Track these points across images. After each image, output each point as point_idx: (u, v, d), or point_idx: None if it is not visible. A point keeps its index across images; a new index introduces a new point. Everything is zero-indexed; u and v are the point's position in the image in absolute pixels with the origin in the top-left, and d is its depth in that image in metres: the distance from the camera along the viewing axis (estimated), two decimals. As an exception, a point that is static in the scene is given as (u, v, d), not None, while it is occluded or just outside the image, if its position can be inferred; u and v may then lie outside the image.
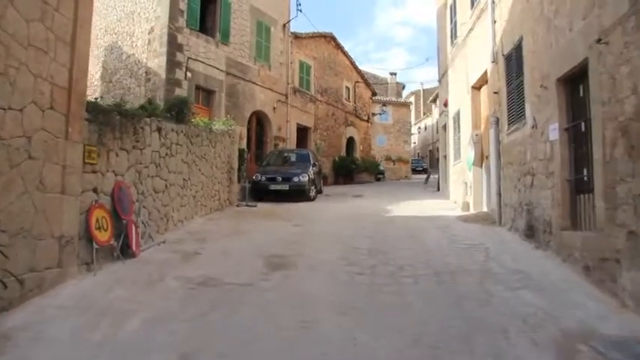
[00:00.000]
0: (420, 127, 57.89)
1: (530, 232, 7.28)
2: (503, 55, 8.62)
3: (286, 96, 19.37)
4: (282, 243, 7.31)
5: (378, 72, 53.63)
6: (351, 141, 25.79)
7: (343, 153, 24.53)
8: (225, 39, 16.14)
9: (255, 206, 12.03)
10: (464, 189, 11.86)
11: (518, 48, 7.80)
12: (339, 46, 24.01)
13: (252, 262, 6.07)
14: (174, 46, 14.12)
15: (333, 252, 6.67)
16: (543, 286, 5.05)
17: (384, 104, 31.91)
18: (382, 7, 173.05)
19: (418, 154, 56.90)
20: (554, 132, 6.25)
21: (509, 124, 8.39)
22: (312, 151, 17.08)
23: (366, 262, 6.15)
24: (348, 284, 5.23)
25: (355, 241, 7.42)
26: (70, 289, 4.62)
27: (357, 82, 26.30)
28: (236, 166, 12.44)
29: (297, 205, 12.73)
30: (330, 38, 23.11)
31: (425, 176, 28.94)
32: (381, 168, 28.93)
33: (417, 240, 7.68)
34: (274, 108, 18.60)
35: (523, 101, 7.57)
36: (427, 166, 46.93)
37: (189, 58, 14.55)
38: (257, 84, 17.61)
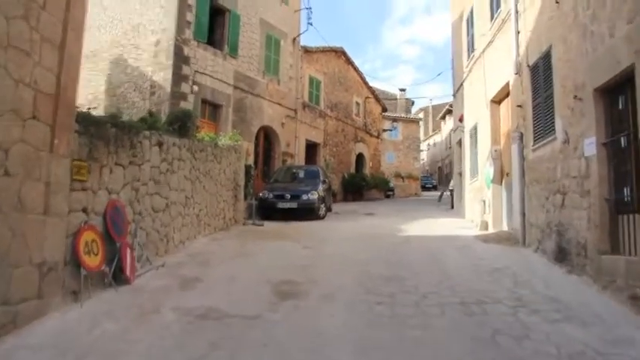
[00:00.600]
0: (429, 144, 57.32)
1: (560, 255, 6.66)
2: (528, 65, 8.07)
3: (295, 111, 18.91)
4: (292, 267, 6.72)
5: (387, 88, 53.25)
6: (360, 157, 25.26)
7: (352, 169, 23.99)
8: (234, 52, 15.75)
9: (262, 225, 11.47)
10: (481, 207, 11.24)
11: (546, 57, 7.26)
12: (349, 61, 23.61)
13: (258, 290, 5.49)
14: (180, 58, 13.72)
15: (348, 278, 6.08)
16: (586, 319, 4.45)
17: (395, 120, 31.40)
18: (390, 25, 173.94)
19: (427, 170, 56.26)
20: (590, 147, 5.67)
21: (535, 140, 7.82)
22: (322, 167, 16.54)
23: (385, 290, 5.55)
24: (367, 316, 4.63)
25: (371, 266, 6.82)
26: (51, 324, 4.05)
27: (368, 97, 25.86)
28: (242, 182, 11.91)
29: (306, 224, 12.16)
30: (340, 53, 22.73)
31: (438, 193, 28.30)
32: (391, 185, 28.32)
33: (437, 263, 7.07)
34: (283, 123, 18.14)
35: (552, 114, 7.01)
36: (437, 182, 46.26)
37: (195, 71, 14.14)
38: (265, 98, 17.17)
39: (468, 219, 12.82)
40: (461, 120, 13.64)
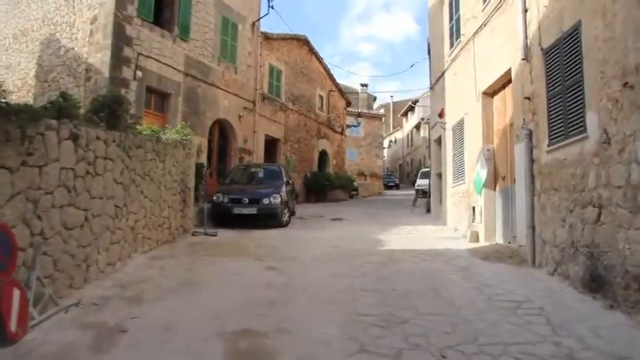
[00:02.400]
0: (390, 141, 56.39)
1: (594, 285, 5.26)
2: (541, 49, 6.66)
3: (254, 103, 17.13)
4: (254, 304, 5.04)
5: (348, 83, 51.61)
6: (323, 154, 23.68)
7: (315, 168, 22.39)
8: (185, 35, 13.83)
9: (216, 235, 9.69)
10: (469, 215, 9.86)
11: (571, 37, 5.85)
12: (312, 51, 21.95)
13: (205, 352, 3.79)
14: (121, 38, 11.74)
15: (332, 325, 4.44)
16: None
17: (359, 115, 29.96)
18: (348, 22, 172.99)
19: (387, 168, 55.26)
20: (648, 149, 4.29)
21: (551, 138, 6.42)
22: (284, 166, 14.80)
23: (386, 344, 3.98)
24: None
25: (359, 301, 5.23)
26: None
27: (332, 90, 24.27)
28: (192, 184, 10.11)
29: (267, 233, 10.47)
30: (303, 41, 21.03)
31: (402, 192, 27.16)
32: (355, 184, 26.86)
33: (441, 294, 5.56)
34: (240, 116, 16.33)
35: (582, 107, 5.60)
36: (399, 181, 45.29)
37: (139, 54, 12.18)
38: (221, 88, 15.32)
39: (450, 227, 11.44)
40: (441, 115, 12.25)
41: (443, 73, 12.40)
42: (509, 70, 7.97)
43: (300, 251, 8.08)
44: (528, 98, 7.17)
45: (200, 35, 14.48)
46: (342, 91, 25.60)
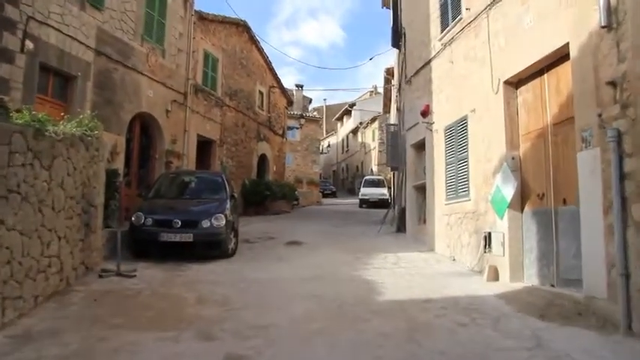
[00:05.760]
0: (325, 146, 54.12)
1: None
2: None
3: (185, 95, 14.01)
4: None
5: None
6: (263, 159, 20.76)
7: (254, 175, 19.44)
8: (98, 1, 10.58)
9: (134, 275, 6.63)
10: (480, 244, 7.50)
11: None
12: (253, 40, 19.03)
13: None
14: (-1, -8, 8.36)
15: None
16: None
17: (302, 116, 27.32)
18: (275, 26, 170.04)
19: (320, 174, 52.94)
20: None
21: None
22: (226, 174, 11.76)
23: None
24: None
25: None
26: None
27: (273, 87, 21.41)
28: (101, 199, 7.04)
29: (209, 269, 7.54)
30: (243, 28, 18.06)
31: (341, 201, 24.83)
32: (296, 194, 24.14)
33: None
34: (168, 111, 13.17)
35: None
36: (335, 188, 43.08)
37: (30, 17, 8.80)
38: (144, 74, 12.13)
39: (441, 254, 9.06)
40: (425, 114, 9.87)
41: (428, 62, 10.04)
42: (565, 46, 5.66)
43: (266, 310, 5.25)
44: (612, 83, 4.87)
45: (118, 4, 11.25)
46: (283, 87, 22.81)
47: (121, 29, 11.36)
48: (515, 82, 7.04)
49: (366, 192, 26.44)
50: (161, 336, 4.31)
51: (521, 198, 6.86)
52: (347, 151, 50.12)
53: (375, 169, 38.69)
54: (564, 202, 6.01)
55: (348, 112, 47.19)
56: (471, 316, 5.13)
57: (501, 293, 6.22)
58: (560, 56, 5.99)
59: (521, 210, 6.87)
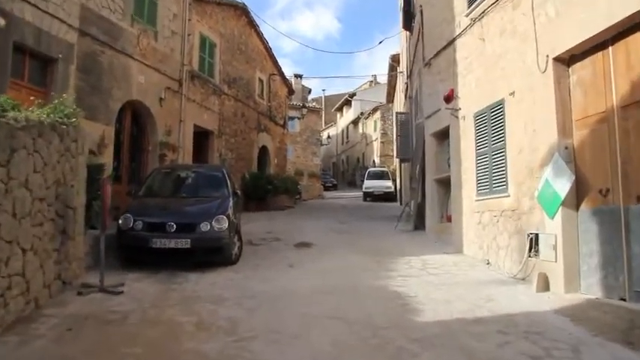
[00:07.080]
0: (325, 137, 52.94)
1: None
2: None
3: (180, 83, 12.90)
4: None
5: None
6: (264, 151, 19.65)
7: (255, 168, 18.34)
8: (79, -25, 9.45)
9: (121, 292, 5.58)
10: (523, 246, 6.47)
11: None
12: (253, 25, 17.86)
13: None
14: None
15: None
16: None
17: (304, 106, 26.18)
18: (270, 17, 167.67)
19: (320, 166, 51.79)
20: None
21: None
22: (227, 168, 10.64)
23: None
24: None
25: None
26: None
27: (273, 74, 20.25)
28: (81, 200, 5.98)
29: (209, 280, 6.47)
30: (242, 11, 16.87)
31: (342, 194, 23.76)
32: (299, 187, 23.03)
33: None
34: (161, 99, 12.06)
35: None
36: (336, 181, 42.00)
37: (1, -9, 7.71)
38: (135, 58, 11.01)
39: (471, 256, 8.04)
40: (449, 99, 8.81)
41: (452, 42, 8.95)
42: (645, 10, 4.60)
43: (283, 340, 4.19)
44: None
45: (104, -20, 10.14)
46: (284, 75, 21.65)
47: (107, 7, 10.23)
48: (568, 59, 5.98)
49: (370, 185, 25.40)
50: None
51: (576, 194, 5.82)
52: (347, 142, 49.00)
53: (377, 160, 37.63)
54: (638, 199, 4.99)
55: (347, 103, 46.01)
56: (541, 345, 4.10)
57: (560, 308, 5.20)
58: (633, 23, 4.94)
59: (577, 208, 5.84)
